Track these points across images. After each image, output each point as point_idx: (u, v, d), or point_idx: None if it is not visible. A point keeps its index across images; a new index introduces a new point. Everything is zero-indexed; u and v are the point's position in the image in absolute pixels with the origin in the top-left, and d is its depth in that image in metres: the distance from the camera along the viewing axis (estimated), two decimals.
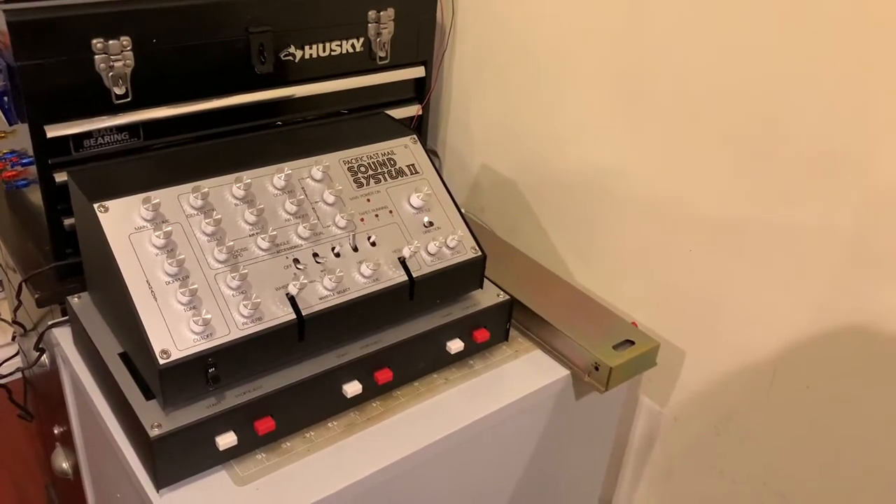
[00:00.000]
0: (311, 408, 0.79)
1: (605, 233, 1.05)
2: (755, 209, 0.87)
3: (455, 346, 0.87)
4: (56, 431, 1.09)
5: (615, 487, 1.16)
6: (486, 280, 0.92)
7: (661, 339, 0.99)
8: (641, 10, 0.92)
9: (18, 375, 1.14)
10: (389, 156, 0.89)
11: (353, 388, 0.80)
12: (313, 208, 0.81)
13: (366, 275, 0.80)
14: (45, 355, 0.98)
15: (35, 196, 0.89)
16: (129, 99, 0.86)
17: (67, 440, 1.03)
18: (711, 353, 0.97)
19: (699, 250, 0.94)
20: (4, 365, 1.12)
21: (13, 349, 1.38)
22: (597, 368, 0.88)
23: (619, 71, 0.97)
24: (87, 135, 0.85)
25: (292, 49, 0.97)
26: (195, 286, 0.71)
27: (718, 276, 0.93)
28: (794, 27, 0.78)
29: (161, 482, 0.71)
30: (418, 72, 1.12)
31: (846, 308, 0.82)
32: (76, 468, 1.04)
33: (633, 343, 0.91)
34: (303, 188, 0.82)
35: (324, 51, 1.00)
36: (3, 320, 1.24)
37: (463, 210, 0.91)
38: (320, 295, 0.77)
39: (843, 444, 0.86)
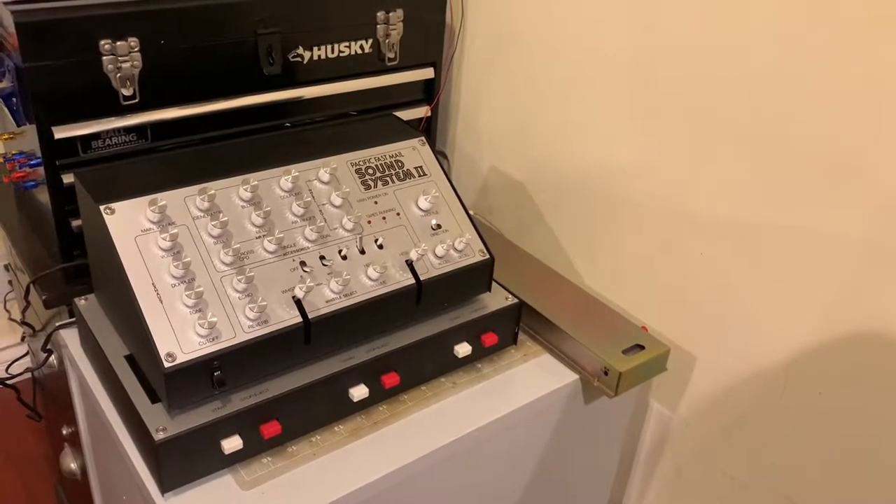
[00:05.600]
0: (317, 412, 0.79)
1: (615, 235, 1.04)
2: (767, 213, 0.86)
3: (463, 349, 0.87)
4: (65, 432, 1.09)
5: (625, 491, 1.15)
6: (494, 283, 0.91)
7: (672, 343, 0.98)
8: (651, 10, 0.91)
9: (28, 376, 1.14)
10: (397, 158, 0.88)
11: (359, 392, 0.80)
12: (320, 210, 0.81)
13: (373, 278, 0.79)
14: (53, 356, 0.98)
15: (43, 197, 0.89)
16: (136, 100, 0.85)
17: (75, 441, 1.03)
18: (722, 358, 0.95)
19: (710, 254, 0.93)
20: (14, 365, 1.12)
21: (23, 349, 1.39)
22: (606, 373, 0.88)
23: (630, 72, 0.96)
24: (95, 136, 0.85)
25: (301, 50, 0.96)
26: (201, 289, 0.70)
27: (730, 280, 0.92)
28: (806, 30, 0.77)
29: (166, 486, 0.71)
30: (427, 73, 1.11)
31: (858, 314, 0.81)
32: (84, 469, 1.05)
33: (643, 348, 0.91)
34: (310, 190, 0.81)
35: (332, 52, 1.00)
36: (12, 320, 1.24)
37: (471, 212, 0.91)
38: (327, 298, 0.77)
39: (854, 450, 0.85)
